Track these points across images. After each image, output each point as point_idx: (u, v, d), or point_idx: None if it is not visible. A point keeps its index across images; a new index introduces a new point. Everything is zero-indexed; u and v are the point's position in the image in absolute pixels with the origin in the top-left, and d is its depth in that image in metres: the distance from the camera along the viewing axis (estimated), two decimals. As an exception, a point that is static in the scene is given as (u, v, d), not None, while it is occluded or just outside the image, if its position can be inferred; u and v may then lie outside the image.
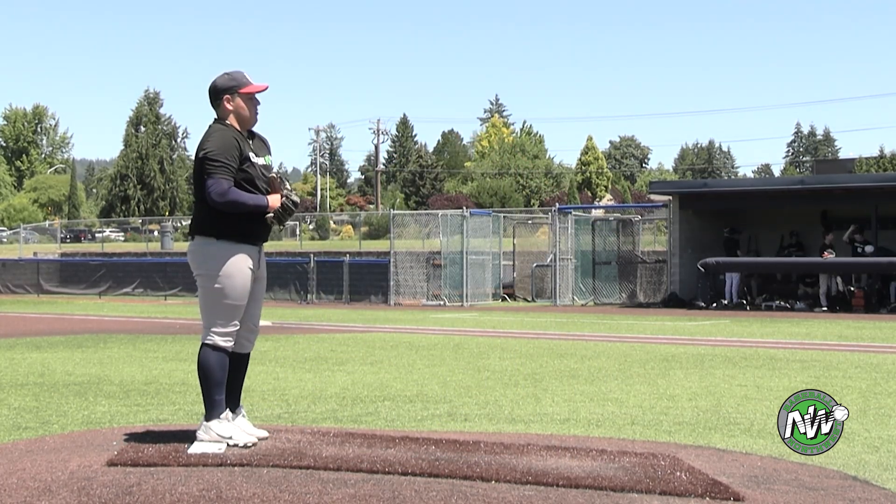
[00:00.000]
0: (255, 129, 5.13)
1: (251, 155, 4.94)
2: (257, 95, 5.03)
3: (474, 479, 4.34)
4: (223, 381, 4.95)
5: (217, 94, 4.97)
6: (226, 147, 4.84)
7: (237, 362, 5.07)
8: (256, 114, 5.04)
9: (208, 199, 4.80)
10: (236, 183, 4.86)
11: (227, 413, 4.97)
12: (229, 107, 4.95)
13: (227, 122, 4.97)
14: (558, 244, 26.18)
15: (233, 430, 4.89)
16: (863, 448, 5.51)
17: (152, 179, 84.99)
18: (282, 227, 5.05)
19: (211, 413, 4.90)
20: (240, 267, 4.92)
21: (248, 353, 5.19)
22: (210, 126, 4.99)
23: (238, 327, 4.99)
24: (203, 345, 4.95)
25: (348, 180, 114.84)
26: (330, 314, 21.73)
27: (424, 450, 4.93)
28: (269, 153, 5.16)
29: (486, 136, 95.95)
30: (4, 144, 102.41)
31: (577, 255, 26.92)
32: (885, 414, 6.88)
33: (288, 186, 5.04)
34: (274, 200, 4.96)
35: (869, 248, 22.35)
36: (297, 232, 50.22)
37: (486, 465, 4.60)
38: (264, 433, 5.12)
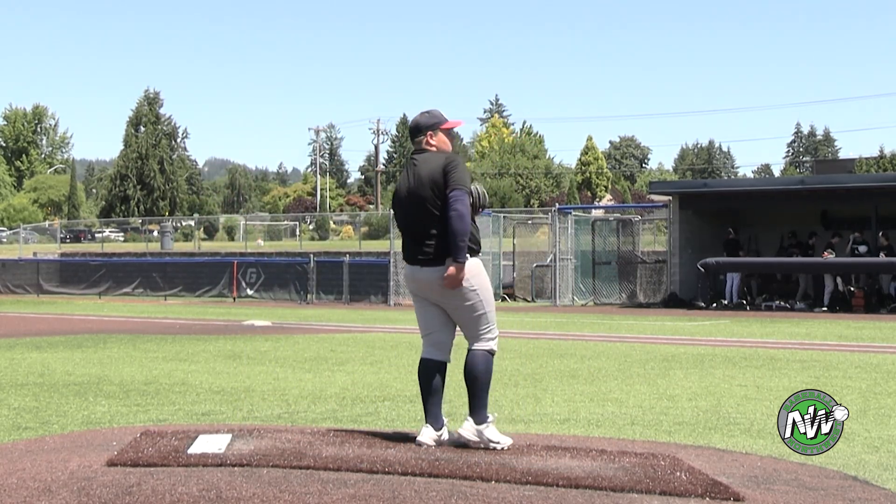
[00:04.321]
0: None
1: None
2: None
3: (474, 479, 4.34)
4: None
5: (419, 130, 5.32)
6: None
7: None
8: (453, 145, 5.45)
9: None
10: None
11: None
12: (433, 142, 5.30)
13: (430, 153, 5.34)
14: (558, 244, 26.18)
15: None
16: (863, 448, 5.51)
17: (152, 179, 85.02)
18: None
19: (486, 415, 5.10)
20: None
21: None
22: (436, 153, 5.25)
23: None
24: (487, 352, 5.24)
25: (348, 180, 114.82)
26: (330, 314, 21.73)
27: (424, 450, 4.93)
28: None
29: (486, 137, 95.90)
30: (4, 144, 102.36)
31: (577, 255, 26.92)
32: (885, 414, 6.88)
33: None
34: None
35: (863, 248, 22.37)
36: (297, 232, 50.24)
37: (486, 465, 4.60)
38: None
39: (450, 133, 5.36)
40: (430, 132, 5.29)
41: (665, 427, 6.25)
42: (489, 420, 5.07)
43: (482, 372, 5.08)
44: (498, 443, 5.03)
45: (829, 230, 23.60)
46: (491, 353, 5.15)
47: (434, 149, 5.27)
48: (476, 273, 5.11)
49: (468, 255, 5.05)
